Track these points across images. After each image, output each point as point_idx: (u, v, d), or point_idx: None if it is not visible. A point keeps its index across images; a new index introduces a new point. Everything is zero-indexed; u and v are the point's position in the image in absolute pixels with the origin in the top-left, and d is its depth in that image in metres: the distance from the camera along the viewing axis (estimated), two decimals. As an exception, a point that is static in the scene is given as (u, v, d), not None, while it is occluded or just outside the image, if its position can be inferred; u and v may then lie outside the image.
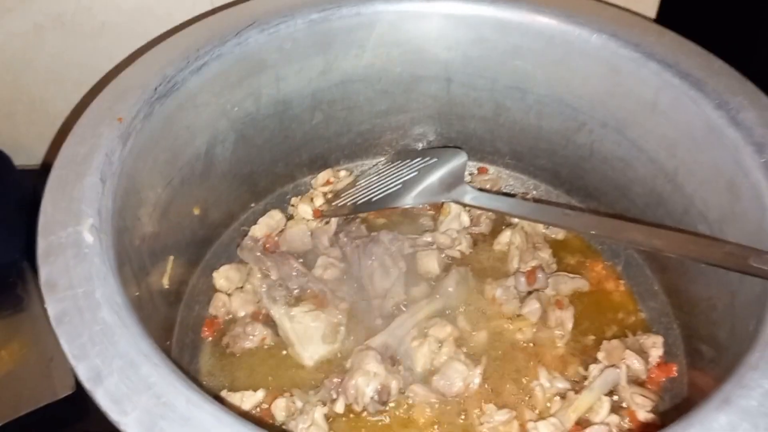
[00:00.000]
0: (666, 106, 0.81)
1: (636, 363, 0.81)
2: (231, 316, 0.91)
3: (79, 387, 0.85)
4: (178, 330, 0.88)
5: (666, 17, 1.04)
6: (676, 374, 0.83)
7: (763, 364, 0.54)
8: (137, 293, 0.71)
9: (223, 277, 0.92)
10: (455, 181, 0.89)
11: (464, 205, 0.88)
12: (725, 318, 0.74)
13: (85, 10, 1.01)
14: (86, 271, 0.59)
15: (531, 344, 0.87)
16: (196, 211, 0.89)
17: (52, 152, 1.17)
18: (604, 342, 0.83)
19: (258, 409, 0.82)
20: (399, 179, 0.93)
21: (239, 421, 0.51)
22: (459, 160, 0.91)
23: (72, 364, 0.53)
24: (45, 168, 1.01)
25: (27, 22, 1.02)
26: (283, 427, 0.80)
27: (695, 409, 0.53)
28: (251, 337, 0.88)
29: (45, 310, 0.56)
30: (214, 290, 0.93)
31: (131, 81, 0.77)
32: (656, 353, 0.84)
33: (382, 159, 1.07)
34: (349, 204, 0.96)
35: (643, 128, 0.86)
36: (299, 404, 0.81)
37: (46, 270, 0.59)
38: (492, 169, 1.07)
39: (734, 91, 0.76)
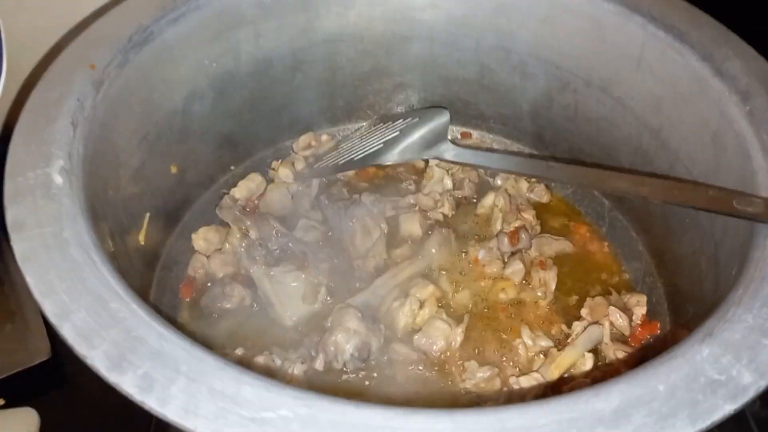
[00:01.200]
0: (651, 60, 0.81)
1: (619, 319, 0.81)
2: (210, 277, 0.89)
3: (54, 353, 0.84)
4: (155, 291, 0.86)
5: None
6: (660, 331, 0.83)
7: (746, 299, 0.54)
8: (113, 249, 0.69)
9: (202, 238, 0.91)
10: (437, 138, 0.88)
11: (446, 161, 0.87)
12: (709, 271, 0.73)
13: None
14: (55, 211, 0.57)
15: (514, 304, 0.86)
16: (174, 170, 0.87)
17: (14, 113, 1.12)
18: (588, 299, 0.83)
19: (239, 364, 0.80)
20: (381, 139, 0.91)
21: (210, 355, 0.49)
22: (441, 118, 0.90)
23: (38, 300, 0.52)
24: (6, 131, 0.98)
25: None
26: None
27: (678, 344, 0.52)
28: (230, 297, 0.86)
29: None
30: (193, 252, 0.91)
31: (105, 30, 0.75)
32: (640, 311, 0.83)
33: (365, 123, 1.05)
34: (330, 165, 0.94)
35: (628, 85, 0.85)
36: (278, 362, 0.79)
37: (13, 210, 0.57)
38: (476, 134, 1.05)
39: (719, 42, 0.76)
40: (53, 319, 0.50)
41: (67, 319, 0.50)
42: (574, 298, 0.87)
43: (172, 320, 0.82)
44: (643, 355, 0.80)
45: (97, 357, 0.48)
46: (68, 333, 0.49)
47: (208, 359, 0.49)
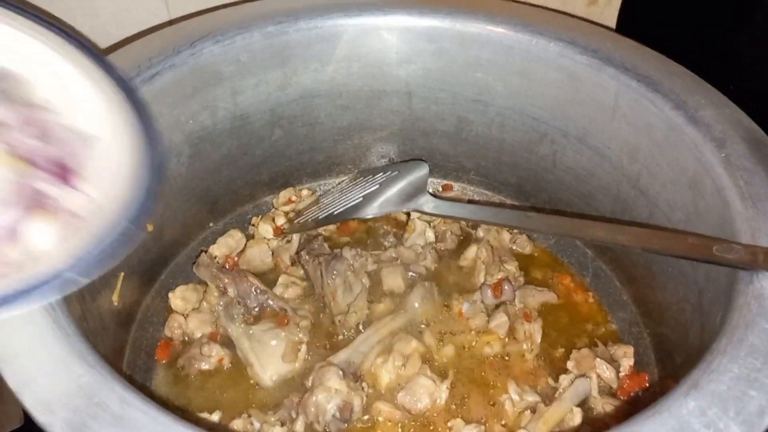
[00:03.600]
0: (626, 109, 0.81)
1: (606, 371, 0.79)
2: (187, 338, 0.87)
3: (27, 420, 0.81)
4: (130, 352, 0.83)
5: (624, 29, 1.05)
6: (648, 384, 0.81)
7: (730, 349, 0.52)
8: (80, 311, 0.67)
9: (179, 297, 0.89)
10: (417, 191, 0.88)
11: (426, 214, 0.86)
12: (694, 319, 0.72)
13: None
14: (20, 272, 0.56)
15: (499, 358, 0.84)
16: (150, 228, 0.86)
17: None
18: (574, 351, 0.81)
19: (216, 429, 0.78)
20: (361, 192, 0.91)
21: (176, 421, 0.47)
22: (420, 171, 0.90)
23: (-1, 366, 0.50)
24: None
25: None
26: (240, 451, 0.76)
27: (665, 396, 0.50)
28: (208, 358, 0.84)
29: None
30: (170, 311, 0.89)
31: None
32: (627, 363, 0.82)
33: (345, 178, 1.05)
34: (311, 220, 0.93)
35: (604, 134, 0.86)
36: (257, 425, 0.76)
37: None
38: (457, 186, 1.05)
39: (691, 90, 0.77)
40: (14, 386, 0.48)
41: (28, 386, 0.48)
42: (560, 351, 0.85)
43: (144, 385, 0.80)
44: (631, 408, 0.78)
45: (57, 425, 0.46)
46: (29, 400, 0.47)
47: (174, 426, 0.46)
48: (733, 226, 0.65)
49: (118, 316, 0.81)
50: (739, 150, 0.69)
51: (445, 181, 1.05)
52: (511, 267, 0.92)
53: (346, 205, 0.89)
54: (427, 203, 0.85)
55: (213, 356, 0.84)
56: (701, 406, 0.48)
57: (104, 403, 0.47)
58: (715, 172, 0.70)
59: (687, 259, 0.63)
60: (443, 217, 0.91)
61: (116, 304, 0.79)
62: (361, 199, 0.89)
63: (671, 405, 0.48)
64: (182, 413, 0.78)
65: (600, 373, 0.79)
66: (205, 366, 0.84)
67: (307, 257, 0.93)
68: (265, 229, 0.97)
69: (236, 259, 0.95)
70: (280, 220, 0.99)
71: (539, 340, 0.85)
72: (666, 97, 0.77)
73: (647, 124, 0.79)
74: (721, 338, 0.54)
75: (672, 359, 0.79)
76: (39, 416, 0.46)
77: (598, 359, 0.79)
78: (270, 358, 0.83)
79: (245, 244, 0.96)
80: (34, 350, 0.50)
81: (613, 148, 0.85)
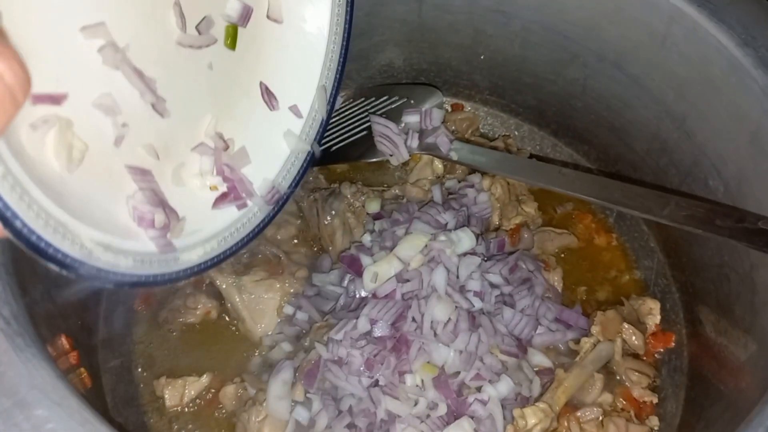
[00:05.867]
0: (679, 38, 0.69)
1: (633, 338, 0.72)
2: (170, 287, 0.78)
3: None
4: (106, 303, 0.75)
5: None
6: (674, 344, 0.75)
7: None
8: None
9: (159, 239, 0.79)
10: (431, 128, 0.76)
11: (444, 159, 0.76)
12: (741, 292, 0.65)
13: None
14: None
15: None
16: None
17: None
18: (599, 314, 0.73)
19: (205, 393, 0.72)
20: (362, 124, 0.79)
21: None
22: (434, 100, 0.78)
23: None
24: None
25: None
26: (234, 419, 0.70)
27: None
28: (193, 310, 0.76)
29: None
30: (149, 255, 0.79)
31: None
32: (653, 321, 0.75)
33: (342, 95, 0.92)
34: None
35: (648, 63, 0.74)
36: (251, 392, 0.70)
37: None
38: (468, 106, 0.93)
39: (764, 25, 0.64)
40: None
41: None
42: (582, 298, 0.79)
43: (126, 338, 0.73)
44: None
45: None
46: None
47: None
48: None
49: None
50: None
51: (456, 100, 0.94)
52: (530, 209, 0.83)
53: (347, 140, 0.78)
54: (445, 145, 0.73)
55: (199, 308, 0.76)
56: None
57: None
58: (787, 130, 0.59)
59: (754, 248, 0.54)
60: (463, 164, 0.80)
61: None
62: (364, 133, 0.77)
63: None
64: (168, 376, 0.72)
65: (626, 338, 0.72)
66: (190, 319, 0.76)
67: (301, 192, 0.83)
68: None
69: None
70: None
71: (560, 291, 0.78)
72: (732, 30, 0.64)
73: (704, 58, 0.67)
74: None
75: (703, 323, 0.72)
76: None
77: (625, 325, 0.72)
78: (263, 313, 0.76)
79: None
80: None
81: (657, 80, 0.74)
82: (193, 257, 0.55)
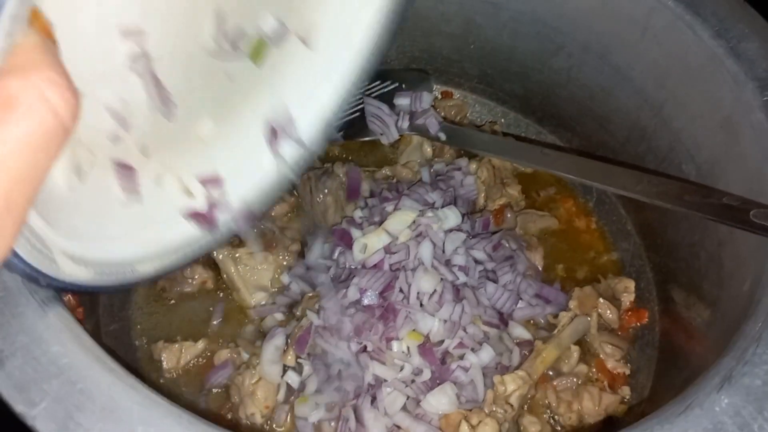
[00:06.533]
0: (658, 30, 0.73)
1: (608, 312, 0.76)
2: (167, 255, 0.81)
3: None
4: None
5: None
6: (647, 320, 0.79)
7: (766, 335, 0.49)
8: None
9: (158, 211, 0.82)
10: (420, 111, 0.80)
11: (432, 139, 0.79)
12: (709, 269, 0.69)
13: None
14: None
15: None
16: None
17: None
18: (576, 289, 0.78)
19: (199, 359, 0.75)
20: (356, 106, 0.82)
21: (173, 411, 0.43)
22: (425, 85, 0.81)
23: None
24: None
25: None
26: (227, 381, 0.73)
27: (693, 386, 0.47)
28: (190, 280, 0.79)
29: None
30: (148, 227, 0.82)
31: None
32: (627, 299, 0.79)
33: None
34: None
35: (629, 54, 0.78)
36: (245, 356, 0.73)
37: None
38: (458, 94, 0.97)
39: (736, 17, 0.68)
40: (-18, 366, 0.43)
41: (2, 368, 0.43)
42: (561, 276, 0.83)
43: (125, 305, 0.76)
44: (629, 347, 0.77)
45: (39, 417, 0.41)
46: (3, 387, 0.42)
47: (170, 417, 0.42)
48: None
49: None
50: (786, 94, 0.63)
51: (446, 88, 0.97)
52: (513, 191, 0.86)
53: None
54: (434, 127, 0.77)
55: (196, 279, 0.79)
56: (734, 404, 0.45)
57: (89, 391, 0.42)
58: (755, 116, 0.63)
59: (718, 221, 0.58)
60: (450, 144, 0.83)
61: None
62: (357, 114, 0.81)
63: (703, 401, 0.45)
64: (166, 340, 0.75)
65: (602, 313, 0.76)
66: (187, 288, 0.79)
67: (295, 170, 0.86)
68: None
69: (218, 169, 0.87)
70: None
71: (540, 268, 0.82)
72: (706, 22, 0.68)
73: (681, 49, 0.71)
74: (754, 320, 0.51)
75: (674, 300, 0.76)
76: (17, 406, 0.41)
77: (601, 300, 0.76)
78: (257, 284, 0.79)
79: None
80: (5, 323, 0.44)
81: (638, 70, 0.77)
82: (148, 269, 0.53)
